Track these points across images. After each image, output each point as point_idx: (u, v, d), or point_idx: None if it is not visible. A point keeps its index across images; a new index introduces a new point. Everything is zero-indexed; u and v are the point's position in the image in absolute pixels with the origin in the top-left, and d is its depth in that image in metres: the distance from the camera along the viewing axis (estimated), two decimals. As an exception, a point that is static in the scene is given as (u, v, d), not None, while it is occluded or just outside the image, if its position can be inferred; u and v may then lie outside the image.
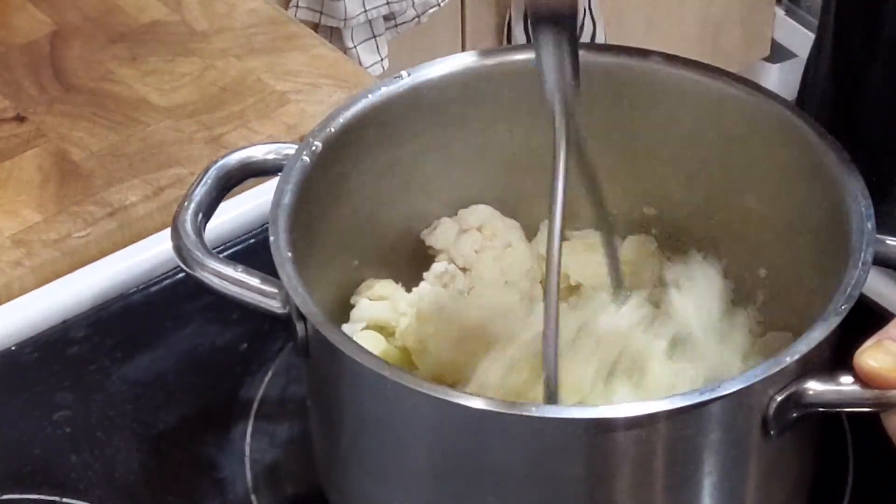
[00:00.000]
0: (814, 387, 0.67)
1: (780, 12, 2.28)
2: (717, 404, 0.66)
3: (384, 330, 0.81)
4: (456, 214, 0.84)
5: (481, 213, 0.83)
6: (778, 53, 2.34)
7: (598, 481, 0.68)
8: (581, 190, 0.71)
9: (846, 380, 0.67)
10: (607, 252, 0.79)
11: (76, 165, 1.00)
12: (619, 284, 0.79)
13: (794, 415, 0.68)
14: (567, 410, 0.70)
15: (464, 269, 0.82)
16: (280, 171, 0.76)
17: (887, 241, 0.73)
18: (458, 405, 0.66)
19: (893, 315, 0.86)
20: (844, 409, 0.69)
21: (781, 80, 2.34)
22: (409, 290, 0.83)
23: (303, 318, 0.71)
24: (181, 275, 0.76)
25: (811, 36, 2.31)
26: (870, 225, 0.71)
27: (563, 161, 0.65)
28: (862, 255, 0.70)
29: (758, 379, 0.66)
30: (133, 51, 1.07)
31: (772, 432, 0.68)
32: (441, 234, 0.83)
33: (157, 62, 1.08)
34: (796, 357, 0.66)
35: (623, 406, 0.68)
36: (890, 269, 0.74)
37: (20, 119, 1.04)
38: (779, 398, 0.67)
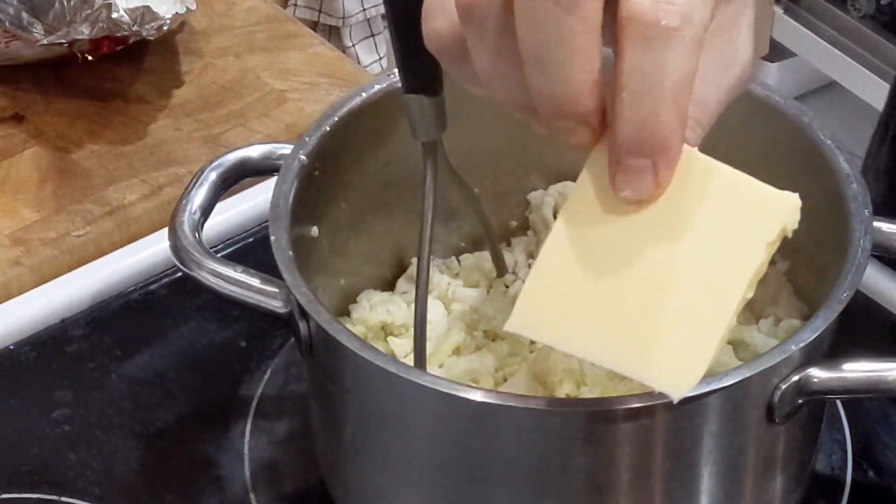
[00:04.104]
0: (818, 374, 0.68)
1: (779, 11, 2.28)
2: (723, 393, 0.66)
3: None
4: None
5: None
6: (777, 52, 2.34)
7: (605, 472, 0.68)
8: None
9: (849, 367, 0.68)
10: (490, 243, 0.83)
11: (75, 164, 1.00)
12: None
13: (799, 402, 0.69)
14: (571, 402, 0.71)
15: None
16: (276, 171, 0.76)
17: (884, 229, 0.73)
18: (463, 399, 0.66)
19: (889, 310, 0.87)
20: (847, 395, 0.70)
21: (780, 78, 2.34)
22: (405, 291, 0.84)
23: (305, 316, 0.71)
24: (180, 273, 0.76)
25: (810, 34, 2.32)
26: (867, 212, 0.72)
27: (432, 186, 0.74)
28: (861, 242, 0.70)
29: (763, 368, 0.66)
30: (132, 49, 1.07)
31: (776, 420, 0.69)
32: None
33: (155, 61, 1.08)
34: (801, 345, 0.67)
35: (626, 397, 0.68)
36: (889, 255, 0.74)
37: (19, 118, 1.04)
38: (783, 386, 0.68)
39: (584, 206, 0.61)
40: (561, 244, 0.61)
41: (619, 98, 0.57)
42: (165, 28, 1.01)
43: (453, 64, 0.62)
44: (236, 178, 0.79)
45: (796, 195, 0.62)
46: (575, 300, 0.61)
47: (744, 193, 0.61)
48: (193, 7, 1.04)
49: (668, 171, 0.59)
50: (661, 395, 0.65)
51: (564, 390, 0.74)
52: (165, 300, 0.91)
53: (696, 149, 0.61)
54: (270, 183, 0.75)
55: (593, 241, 0.61)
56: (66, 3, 0.99)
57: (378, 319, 0.81)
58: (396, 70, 0.73)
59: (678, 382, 0.60)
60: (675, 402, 0.61)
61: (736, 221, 0.61)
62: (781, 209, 0.61)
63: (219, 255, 0.77)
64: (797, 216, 0.62)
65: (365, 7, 1.86)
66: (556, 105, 0.57)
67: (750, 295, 0.62)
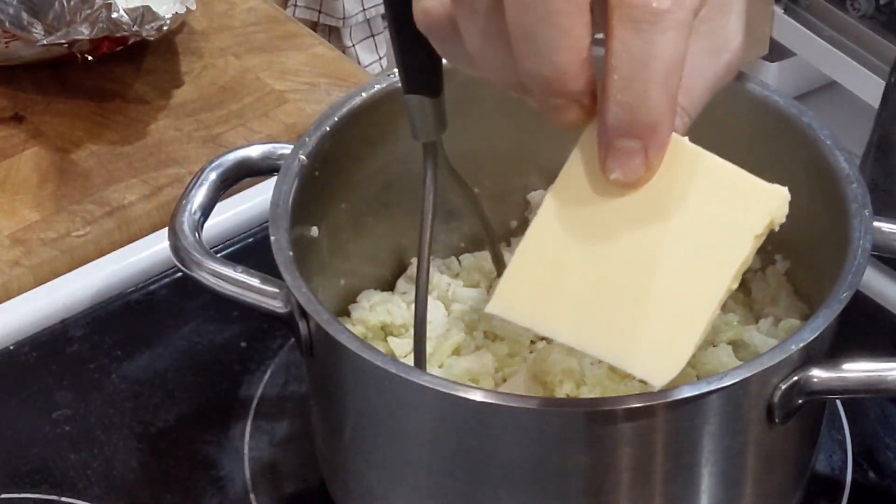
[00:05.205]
0: (818, 374, 0.68)
1: (779, 11, 2.28)
2: (723, 393, 0.66)
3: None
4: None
5: None
6: (777, 52, 2.34)
7: (605, 472, 0.68)
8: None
9: (848, 367, 0.68)
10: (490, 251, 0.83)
11: (75, 164, 1.00)
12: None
13: (799, 402, 0.69)
14: (571, 402, 0.71)
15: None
16: (276, 170, 0.76)
17: (884, 229, 0.73)
18: (463, 399, 0.66)
19: (889, 310, 0.87)
20: (847, 395, 0.69)
21: (780, 78, 2.34)
22: (405, 290, 0.84)
23: (305, 316, 0.71)
24: (180, 273, 0.76)
25: (810, 34, 2.31)
26: (867, 212, 0.71)
27: (432, 186, 0.74)
28: (861, 242, 0.70)
29: (762, 368, 0.66)
30: (132, 49, 1.07)
31: (776, 420, 0.69)
32: None
33: (155, 61, 1.08)
34: (801, 345, 0.67)
35: (626, 397, 0.68)
36: (889, 255, 0.74)
37: (19, 118, 1.04)
38: (783, 386, 0.68)
39: (572, 189, 0.61)
40: (547, 227, 0.61)
41: (608, 80, 0.57)
42: (165, 28, 1.01)
43: (443, 43, 0.62)
44: (236, 178, 0.79)
45: (785, 189, 0.62)
46: (558, 284, 0.61)
47: (732, 184, 0.61)
48: (193, 7, 1.04)
49: (658, 153, 0.59)
50: (662, 394, 0.66)
51: (564, 390, 0.74)
52: (165, 300, 0.91)
53: (685, 138, 0.61)
54: (270, 183, 0.75)
55: (579, 225, 0.61)
56: (66, 4, 0.99)
57: (378, 319, 0.81)
58: (396, 70, 0.73)
59: (659, 371, 0.60)
60: (656, 389, 0.61)
61: (724, 212, 0.61)
62: (770, 202, 0.61)
63: (219, 255, 0.77)
64: (785, 209, 0.62)
65: (365, 7, 1.86)
66: (544, 84, 0.58)
67: (735, 286, 0.62)
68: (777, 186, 0.62)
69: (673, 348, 0.60)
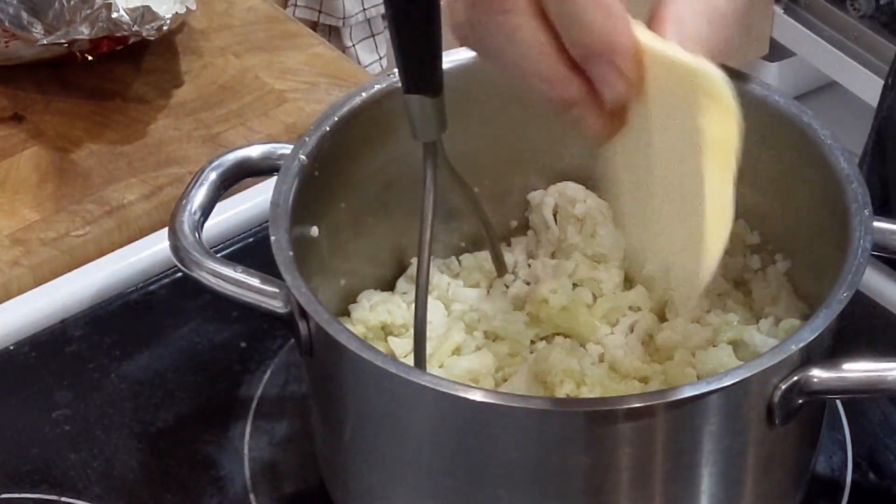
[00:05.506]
0: (818, 374, 0.68)
1: (779, 11, 2.28)
2: (723, 393, 0.66)
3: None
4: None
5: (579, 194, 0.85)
6: (777, 52, 2.34)
7: (605, 472, 0.69)
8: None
9: (848, 367, 0.68)
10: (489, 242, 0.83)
11: (74, 164, 1.00)
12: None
13: (799, 402, 0.69)
14: (571, 402, 0.71)
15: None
16: (276, 170, 0.76)
17: (884, 229, 0.73)
18: (463, 399, 0.66)
19: (889, 310, 0.87)
20: (847, 395, 0.69)
21: (780, 78, 2.34)
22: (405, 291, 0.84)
23: (305, 316, 0.71)
24: (179, 273, 0.76)
25: (810, 34, 2.31)
26: (867, 212, 0.72)
27: (432, 186, 0.74)
28: (861, 242, 0.70)
29: (762, 368, 0.66)
30: (132, 49, 1.08)
31: (776, 420, 0.69)
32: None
33: (155, 61, 1.08)
34: (801, 345, 0.67)
35: (626, 397, 0.68)
36: (889, 255, 0.74)
37: (18, 118, 1.04)
38: (783, 386, 0.68)
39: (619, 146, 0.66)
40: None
41: (556, 24, 0.61)
42: (165, 28, 1.01)
43: (470, 42, 0.65)
44: (236, 178, 0.79)
45: (717, 69, 0.63)
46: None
47: (685, 80, 0.63)
48: (193, 7, 1.04)
49: (626, 63, 0.62)
50: (662, 394, 0.66)
51: (564, 390, 0.74)
52: (165, 300, 0.91)
53: (656, 39, 0.63)
54: (270, 183, 0.75)
55: (632, 173, 0.67)
56: (65, 3, 0.99)
57: (378, 319, 0.81)
58: (396, 70, 0.73)
59: (695, 275, 0.64)
60: (701, 289, 0.64)
61: (691, 117, 0.63)
62: (703, 82, 0.63)
63: (219, 255, 0.77)
64: (727, 90, 0.63)
65: (365, 7, 1.86)
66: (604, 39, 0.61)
67: (732, 172, 0.64)
68: (707, 70, 0.63)
69: (707, 248, 0.63)
